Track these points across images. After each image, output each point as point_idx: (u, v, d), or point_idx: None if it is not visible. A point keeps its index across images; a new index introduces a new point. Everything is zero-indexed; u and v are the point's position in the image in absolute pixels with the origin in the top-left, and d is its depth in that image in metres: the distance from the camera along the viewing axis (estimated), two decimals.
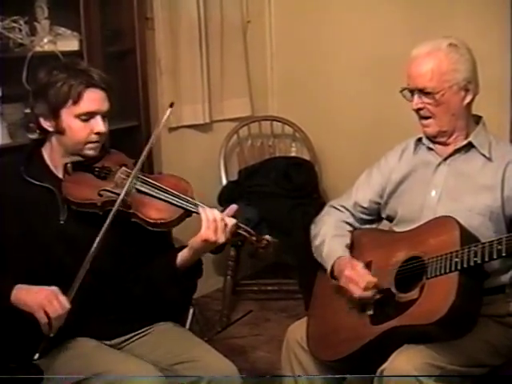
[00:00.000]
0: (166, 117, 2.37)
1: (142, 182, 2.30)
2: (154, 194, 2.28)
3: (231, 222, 2.22)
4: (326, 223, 2.59)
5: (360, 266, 2.36)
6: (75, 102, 2.25)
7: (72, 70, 2.27)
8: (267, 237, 2.26)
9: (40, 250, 2.26)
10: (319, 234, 2.56)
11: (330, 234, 2.53)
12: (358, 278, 2.31)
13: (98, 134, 2.29)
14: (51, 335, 2.11)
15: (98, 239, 2.15)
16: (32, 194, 2.28)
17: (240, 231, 2.26)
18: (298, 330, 2.47)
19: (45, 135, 2.35)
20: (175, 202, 2.26)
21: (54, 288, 2.13)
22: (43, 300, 2.10)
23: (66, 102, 2.25)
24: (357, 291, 2.31)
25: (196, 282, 2.39)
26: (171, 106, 2.37)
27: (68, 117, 2.26)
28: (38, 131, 2.38)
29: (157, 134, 2.45)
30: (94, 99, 2.27)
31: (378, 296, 2.30)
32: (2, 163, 2.39)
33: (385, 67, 3.97)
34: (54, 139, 2.32)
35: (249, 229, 2.26)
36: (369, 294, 2.30)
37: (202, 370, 2.24)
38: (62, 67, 2.29)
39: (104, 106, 2.30)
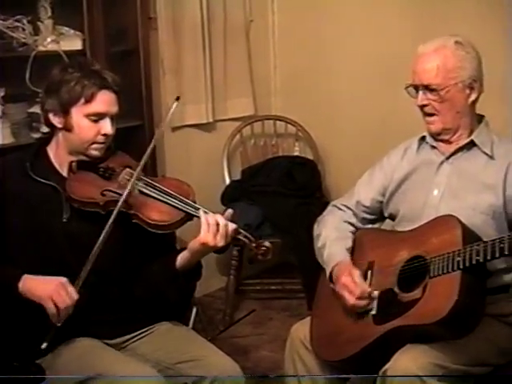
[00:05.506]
0: (172, 110, 2.39)
1: (145, 184, 2.31)
2: (156, 195, 2.28)
3: (232, 226, 2.23)
4: (328, 224, 2.58)
5: (357, 273, 2.35)
6: (87, 102, 2.26)
7: (86, 69, 2.29)
8: (266, 243, 2.27)
9: (43, 247, 2.27)
10: (321, 236, 2.56)
11: (331, 237, 2.52)
12: (353, 287, 2.31)
13: (104, 135, 2.30)
14: (58, 325, 2.12)
15: (100, 239, 2.15)
16: (37, 191, 2.29)
17: (239, 237, 2.26)
18: (301, 330, 2.47)
19: (52, 132, 2.36)
20: (177, 205, 2.26)
21: (63, 278, 2.15)
22: (52, 290, 2.12)
23: (78, 101, 2.26)
24: (350, 300, 2.31)
25: (195, 284, 2.40)
26: (177, 99, 2.39)
27: (78, 115, 2.28)
28: (44, 128, 2.40)
29: (162, 130, 2.46)
30: (105, 101, 2.28)
31: (371, 307, 2.29)
32: (8, 160, 2.40)
33: (388, 66, 3.98)
34: (60, 136, 2.34)
35: (248, 235, 2.27)
36: (362, 303, 2.30)
37: (205, 369, 2.25)
38: (77, 66, 2.31)
39: (114, 108, 2.31)
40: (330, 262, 2.45)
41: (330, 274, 2.43)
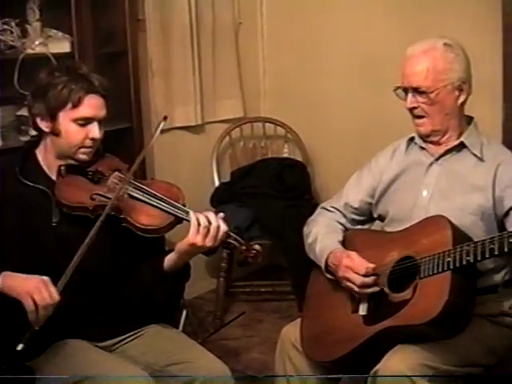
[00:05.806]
0: (159, 129, 2.37)
1: (135, 188, 2.30)
2: (146, 199, 2.28)
3: (223, 229, 2.22)
4: (318, 223, 2.59)
5: (355, 254, 2.36)
6: (74, 106, 2.25)
7: (73, 73, 2.28)
8: (257, 246, 2.27)
9: (32, 250, 2.26)
10: (311, 233, 2.57)
11: (322, 232, 2.53)
12: (357, 266, 2.32)
13: (92, 139, 2.29)
14: (36, 328, 2.05)
15: (86, 241, 2.13)
16: (26, 194, 2.28)
17: (230, 240, 2.25)
18: (292, 331, 2.47)
19: (40, 136, 2.35)
20: (166, 209, 2.25)
21: (45, 277, 2.10)
22: (32, 287, 2.06)
23: (65, 105, 2.25)
24: (357, 279, 2.31)
25: (183, 285, 2.39)
26: (165, 118, 2.38)
27: (65, 120, 2.27)
28: (33, 131, 2.39)
29: (150, 144, 2.46)
30: (93, 105, 2.28)
31: (376, 288, 2.30)
32: None
33: (376, 68, 3.98)
34: (48, 140, 2.33)
35: (238, 238, 2.27)
36: (369, 280, 2.30)
37: (195, 371, 2.24)
38: (64, 70, 2.30)
39: (102, 112, 2.31)
40: (324, 253, 2.45)
41: (326, 265, 2.43)
